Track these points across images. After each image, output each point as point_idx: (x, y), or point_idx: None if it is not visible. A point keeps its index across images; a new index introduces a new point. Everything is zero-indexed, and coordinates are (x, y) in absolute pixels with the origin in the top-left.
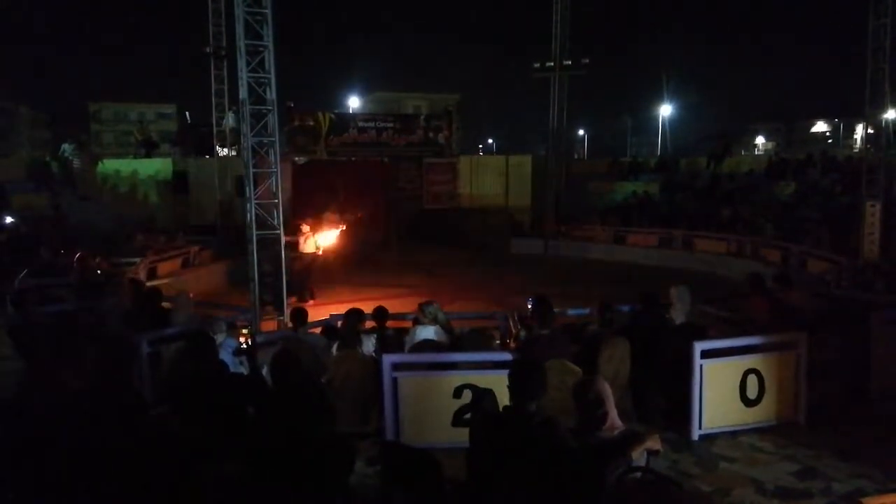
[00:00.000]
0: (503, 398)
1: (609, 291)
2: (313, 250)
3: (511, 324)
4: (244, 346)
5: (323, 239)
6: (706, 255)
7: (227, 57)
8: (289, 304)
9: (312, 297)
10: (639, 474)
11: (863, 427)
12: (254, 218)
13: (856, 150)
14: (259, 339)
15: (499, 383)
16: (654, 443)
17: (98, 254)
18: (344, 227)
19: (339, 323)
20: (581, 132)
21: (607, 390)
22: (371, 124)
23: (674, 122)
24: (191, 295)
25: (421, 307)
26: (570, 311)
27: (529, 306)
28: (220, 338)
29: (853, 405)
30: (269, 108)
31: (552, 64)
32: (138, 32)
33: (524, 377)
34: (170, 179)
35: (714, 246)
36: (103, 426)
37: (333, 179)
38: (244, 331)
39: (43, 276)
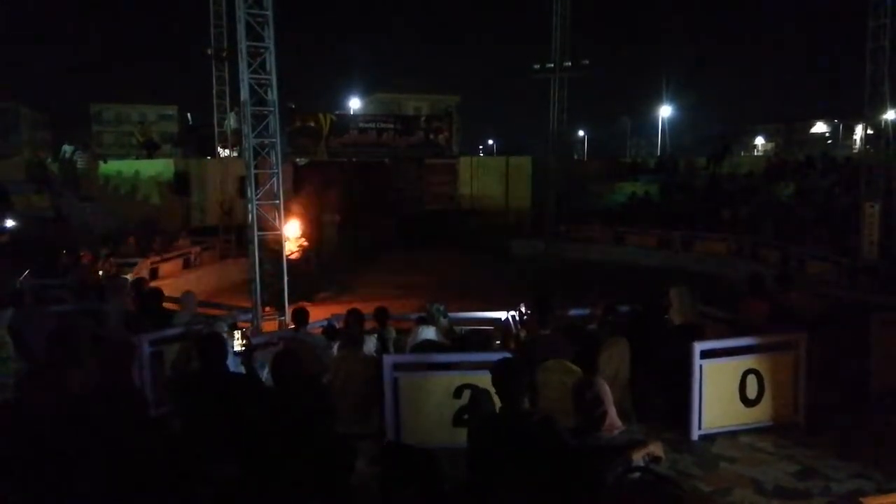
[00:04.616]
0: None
1: (609, 292)
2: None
3: (512, 324)
4: (239, 348)
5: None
6: (705, 256)
7: (229, 58)
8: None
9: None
10: (638, 474)
11: (862, 427)
12: (255, 219)
13: (855, 151)
14: (260, 339)
15: None
16: (656, 448)
17: (99, 255)
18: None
19: (340, 323)
20: (581, 133)
21: (606, 390)
22: (372, 125)
23: (673, 124)
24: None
25: (427, 306)
26: (572, 312)
27: (523, 309)
28: None
29: (852, 405)
30: (271, 109)
31: (552, 65)
32: (140, 34)
33: (507, 377)
34: (171, 180)
35: (713, 246)
36: (105, 427)
37: (334, 180)
38: (236, 333)
39: (44, 277)
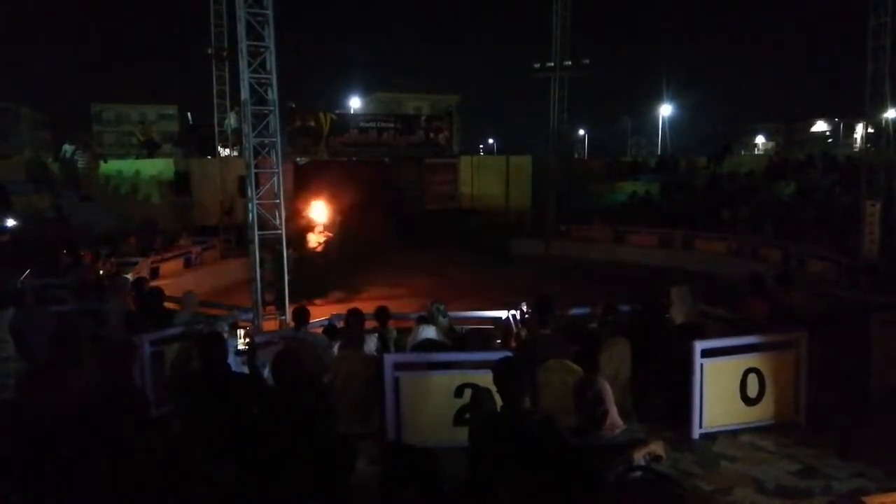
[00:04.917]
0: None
1: (609, 291)
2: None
3: (513, 323)
4: (243, 347)
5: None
6: (706, 255)
7: (229, 58)
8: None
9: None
10: (639, 473)
11: (863, 426)
12: (255, 218)
13: (856, 150)
14: (261, 338)
15: None
16: (657, 447)
17: (100, 255)
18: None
19: (341, 323)
20: (581, 132)
21: (607, 389)
22: (372, 125)
23: (674, 123)
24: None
25: (428, 306)
26: (573, 311)
27: (524, 308)
28: None
29: (853, 404)
30: (271, 108)
31: (552, 64)
32: (140, 33)
33: (508, 376)
34: (172, 180)
35: (714, 246)
36: (105, 427)
37: (334, 180)
38: (240, 332)
39: (45, 277)
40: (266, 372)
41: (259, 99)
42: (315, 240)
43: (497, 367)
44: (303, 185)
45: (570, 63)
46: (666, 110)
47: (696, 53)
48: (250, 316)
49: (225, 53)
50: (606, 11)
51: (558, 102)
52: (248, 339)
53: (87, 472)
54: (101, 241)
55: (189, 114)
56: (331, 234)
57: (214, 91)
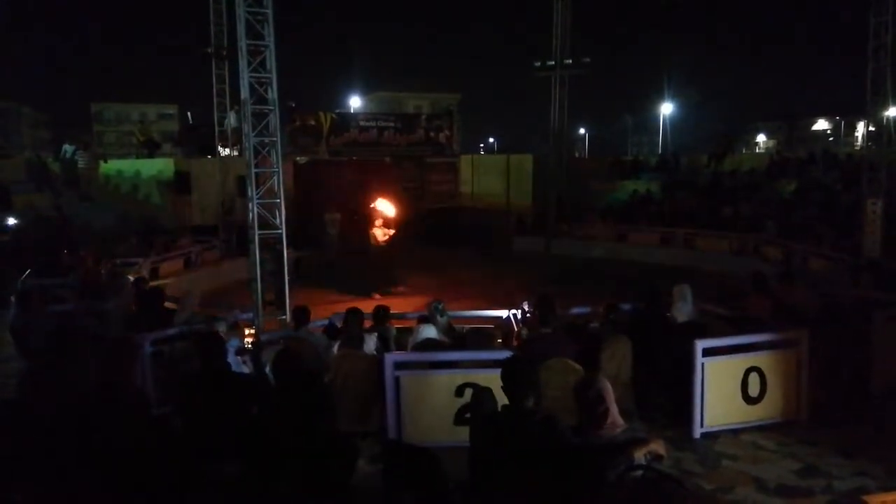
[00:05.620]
0: (503, 397)
1: (611, 290)
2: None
3: (513, 322)
4: (248, 345)
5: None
6: (708, 254)
7: (229, 57)
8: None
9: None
10: (640, 472)
11: (865, 425)
12: (256, 218)
13: (857, 148)
14: (262, 338)
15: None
16: (658, 447)
17: (100, 255)
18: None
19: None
20: (582, 131)
21: (608, 388)
22: (372, 124)
23: (675, 121)
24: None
25: (428, 305)
26: (574, 310)
27: (526, 307)
28: None
29: (855, 403)
30: (271, 107)
31: (553, 63)
32: (140, 33)
33: (515, 375)
34: (172, 180)
35: (715, 244)
36: (105, 427)
37: (335, 179)
38: (248, 331)
39: (46, 277)
40: (266, 370)
41: (259, 98)
42: (381, 234)
43: (504, 367)
44: (303, 185)
45: (570, 61)
46: (667, 109)
47: (697, 52)
48: (250, 315)
49: (225, 52)
50: (608, 10)
51: (559, 101)
52: (253, 338)
53: (87, 472)
54: (101, 241)
55: (189, 113)
56: (393, 230)
57: (214, 90)
